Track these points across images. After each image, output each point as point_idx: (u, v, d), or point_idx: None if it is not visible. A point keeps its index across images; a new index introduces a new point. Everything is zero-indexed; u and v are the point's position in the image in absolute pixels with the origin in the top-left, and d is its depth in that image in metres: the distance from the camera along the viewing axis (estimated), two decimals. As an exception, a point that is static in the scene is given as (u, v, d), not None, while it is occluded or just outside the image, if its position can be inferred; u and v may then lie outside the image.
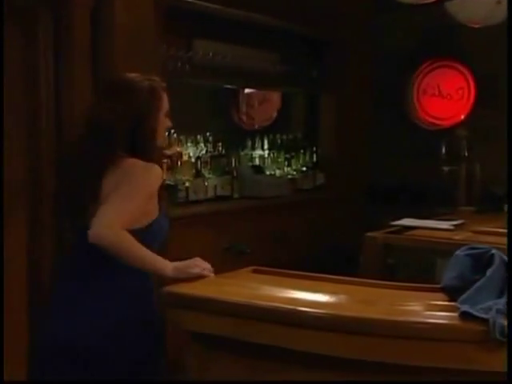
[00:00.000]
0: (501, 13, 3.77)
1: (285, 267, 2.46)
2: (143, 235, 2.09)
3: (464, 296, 1.80)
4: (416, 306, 1.88)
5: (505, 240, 2.86)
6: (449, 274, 1.95)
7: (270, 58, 4.58)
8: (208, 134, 4.22)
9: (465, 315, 1.72)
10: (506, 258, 1.90)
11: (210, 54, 4.08)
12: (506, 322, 1.68)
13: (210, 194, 4.02)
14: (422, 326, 1.74)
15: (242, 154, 4.55)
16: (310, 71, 4.86)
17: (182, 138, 4.08)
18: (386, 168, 5.21)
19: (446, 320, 1.74)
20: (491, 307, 1.73)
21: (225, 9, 4.07)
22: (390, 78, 5.16)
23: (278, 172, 4.61)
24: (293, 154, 4.80)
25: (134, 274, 2.13)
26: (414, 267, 3.21)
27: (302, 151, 4.84)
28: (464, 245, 2.84)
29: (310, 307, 1.84)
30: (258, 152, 4.63)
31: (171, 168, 3.85)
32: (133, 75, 2.26)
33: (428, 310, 1.83)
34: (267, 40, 4.51)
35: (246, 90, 5.19)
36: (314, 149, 4.92)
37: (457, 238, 3.00)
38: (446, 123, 4.96)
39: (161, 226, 2.21)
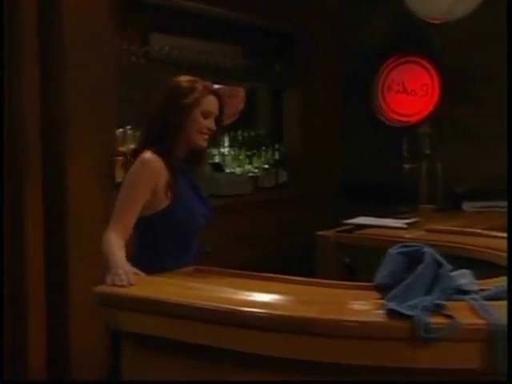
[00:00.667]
0: (460, 9, 3.72)
1: (247, 267, 2.45)
2: (156, 220, 2.29)
3: (392, 293, 1.78)
4: (347, 305, 1.87)
5: (456, 238, 2.84)
6: (381, 272, 1.94)
7: (231, 52, 4.51)
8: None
9: (392, 313, 1.70)
10: (437, 256, 1.87)
11: (167, 48, 3.99)
12: (430, 319, 1.67)
13: (167, 191, 3.93)
14: (350, 324, 1.72)
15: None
16: (273, 65, 4.78)
17: (137, 135, 3.97)
18: (355, 165, 5.15)
19: (374, 318, 1.73)
20: (417, 304, 1.71)
21: (182, 1, 3.99)
22: (358, 74, 5.10)
23: (238, 170, 4.54)
24: (254, 151, 4.72)
25: (173, 261, 2.31)
26: (372, 266, 3.17)
27: (263, 148, 4.76)
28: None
29: (248, 307, 1.82)
30: (221, 149, 4.55)
31: (126, 166, 3.76)
32: (182, 77, 2.43)
33: (358, 308, 1.83)
34: (228, 33, 4.44)
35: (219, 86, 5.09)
36: (277, 146, 4.84)
37: (407, 236, 2.96)
38: (411, 120, 4.90)
39: (179, 210, 2.30)
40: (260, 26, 4.60)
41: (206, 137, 2.38)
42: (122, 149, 3.78)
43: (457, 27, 4.29)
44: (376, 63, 5.07)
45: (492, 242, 2.65)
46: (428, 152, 4.38)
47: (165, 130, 2.33)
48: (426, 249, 1.88)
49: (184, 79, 2.41)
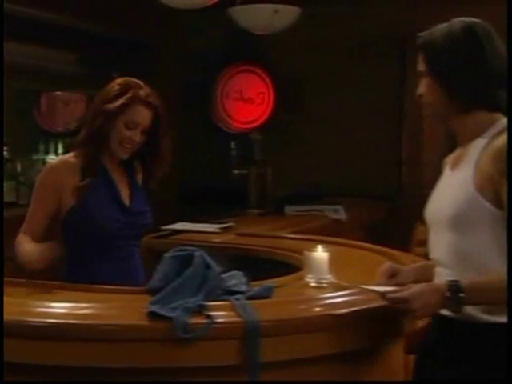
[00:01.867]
0: (279, 21, 3.88)
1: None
2: (66, 220, 2.27)
3: (158, 296, 1.84)
4: (112, 309, 1.88)
5: (259, 241, 2.96)
6: (155, 276, 1.98)
7: (66, 59, 4.48)
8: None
9: (152, 315, 1.76)
10: (207, 258, 1.94)
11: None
12: (190, 320, 1.73)
13: (-9, 200, 3.85)
14: (108, 327, 1.76)
15: (34, 158, 4.40)
16: (110, 73, 4.77)
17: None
18: (194, 170, 5.24)
19: (133, 321, 1.77)
20: (180, 306, 1.77)
21: (11, 5, 3.91)
22: (197, 82, 5.18)
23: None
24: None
25: (97, 261, 2.29)
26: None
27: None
28: (222, 248, 2.93)
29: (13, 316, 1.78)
30: (52, 156, 4.50)
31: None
32: (119, 79, 2.31)
33: (122, 311, 1.85)
34: (63, 40, 4.39)
35: (58, 92, 5.03)
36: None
37: (216, 240, 3.04)
38: (248, 127, 5.06)
39: (84, 210, 2.24)
40: (97, 33, 4.59)
41: (127, 149, 2.26)
42: None
43: (291, 38, 4.48)
44: (215, 72, 5.19)
45: (287, 244, 2.79)
46: (259, 158, 4.54)
47: (88, 133, 2.25)
48: (196, 252, 1.96)
49: (117, 82, 2.28)
